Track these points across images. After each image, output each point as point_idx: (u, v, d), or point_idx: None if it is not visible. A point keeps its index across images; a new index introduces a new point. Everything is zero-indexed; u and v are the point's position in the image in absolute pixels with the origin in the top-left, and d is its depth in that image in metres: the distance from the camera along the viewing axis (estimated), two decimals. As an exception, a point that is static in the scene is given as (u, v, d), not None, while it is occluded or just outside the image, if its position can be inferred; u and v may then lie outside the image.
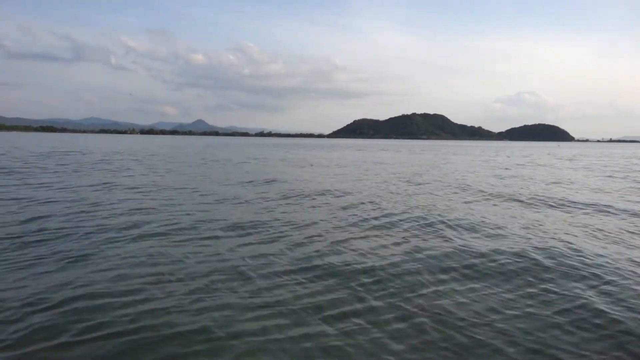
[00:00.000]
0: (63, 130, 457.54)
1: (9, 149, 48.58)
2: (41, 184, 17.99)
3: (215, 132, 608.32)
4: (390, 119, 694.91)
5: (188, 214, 12.27)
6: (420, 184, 21.52)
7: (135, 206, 13.32)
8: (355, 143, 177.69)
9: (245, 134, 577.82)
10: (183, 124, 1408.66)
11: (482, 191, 18.73)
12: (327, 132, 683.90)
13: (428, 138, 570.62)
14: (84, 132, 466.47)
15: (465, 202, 15.59)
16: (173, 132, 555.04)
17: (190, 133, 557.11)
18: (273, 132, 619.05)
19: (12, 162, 30.03)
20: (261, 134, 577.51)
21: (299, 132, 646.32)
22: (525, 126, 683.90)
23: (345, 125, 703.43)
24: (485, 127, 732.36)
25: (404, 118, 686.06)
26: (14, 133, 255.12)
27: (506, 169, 34.07)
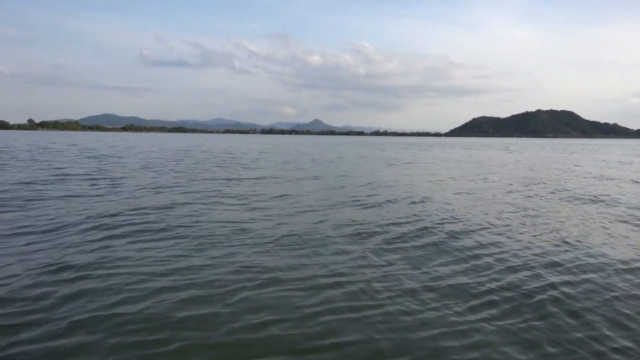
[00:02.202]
0: (193, 130, 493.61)
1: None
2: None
3: (332, 132, 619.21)
4: (512, 116, 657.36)
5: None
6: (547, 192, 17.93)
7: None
8: (475, 142, 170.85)
9: (360, 133, 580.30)
10: (300, 123, 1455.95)
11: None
12: (443, 130, 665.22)
13: (555, 136, 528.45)
14: (211, 132, 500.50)
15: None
16: (291, 132, 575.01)
17: (307, 132, 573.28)
18: (388, 130, 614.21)
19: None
20: (376, 133, 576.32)
21: (414, 131, 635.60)
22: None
23: (463, 123, 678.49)
24: (622, 123, 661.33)
25: (527, 115, 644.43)
26: (151, 134, 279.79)
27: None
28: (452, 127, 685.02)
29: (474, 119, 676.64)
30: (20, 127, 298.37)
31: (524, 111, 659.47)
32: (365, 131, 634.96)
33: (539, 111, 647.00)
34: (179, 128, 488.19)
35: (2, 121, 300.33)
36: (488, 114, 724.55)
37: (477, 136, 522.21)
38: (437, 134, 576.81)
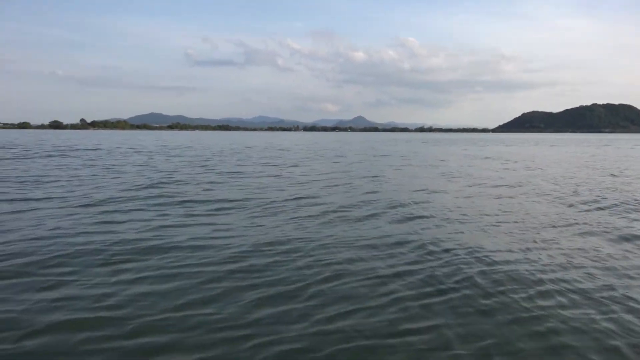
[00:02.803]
0: (236, 128, 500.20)
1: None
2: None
3: (375, 128, 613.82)
4: (565, 110, 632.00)
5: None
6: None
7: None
8: (526, 137, 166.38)
9: (404, 130, 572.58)
10: (343, 120, 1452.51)
11: None
12: (491, 126, 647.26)
13: (612, 131, 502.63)
14: (254, 129, 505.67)
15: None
16: (334, 129, 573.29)
17: (350, 129, 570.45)
18: (434, 127, 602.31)
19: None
20: (421, 129, 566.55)
21: (461, 127, 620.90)
22: None
23: (512, 118, 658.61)
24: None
25: (582, 109, 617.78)
26: (196, 132, 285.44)
27: None
28: (501, 123, 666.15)
29: (524, 114, 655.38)
30: (72, 126, 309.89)
31: (578, 105, 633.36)
32: (410, 127, 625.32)
33: (594, 105, 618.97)
34: (223, 126, 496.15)
35: (56, 121, 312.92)
36: (539, 109, 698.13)
37: (528, 132, 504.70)
38: (484, 130, 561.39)
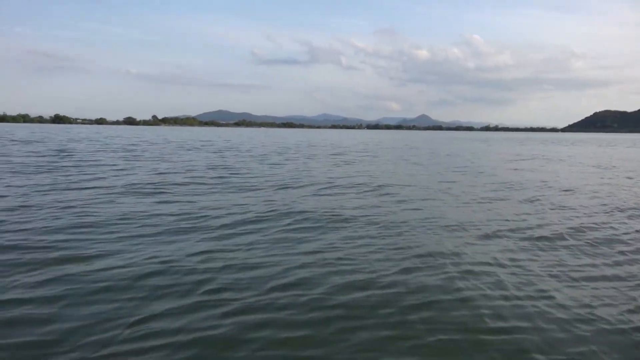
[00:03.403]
0: (300, 126, 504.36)
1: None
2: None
3: (439, 127, 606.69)
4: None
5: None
6: None
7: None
8: (601, 138, 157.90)
9: (469, 129, 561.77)
10: (407, 119, 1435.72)
11: None
12: (560, 125, 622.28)
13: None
14: (318, 127, 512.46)
15: None
16: (397, 127, 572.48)
17: (414, 128, 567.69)
18: (499, 126, 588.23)
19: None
20: (487, 128, 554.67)
21: (528, 126, 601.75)
22: None
23: (583, 118, 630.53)
24: None
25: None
26: (262, 129, 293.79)
27: None
28: (571, 122, 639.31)
29: (595, 113, 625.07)
30: (145, 122, 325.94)
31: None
32: (475, 126, 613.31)
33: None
34: (287, 123, 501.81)
35: (130, 117, 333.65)
36: (612, 108, 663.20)
37: (600, 132, 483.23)
38: (553, 129, 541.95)
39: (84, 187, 15.06)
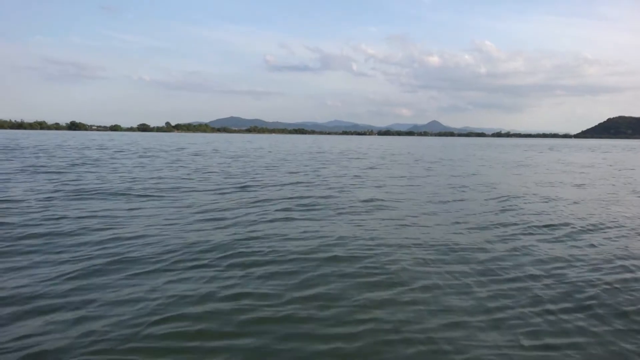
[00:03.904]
0: (312, 132, 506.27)
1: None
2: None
3: (450, 133, 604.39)
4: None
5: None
6: None
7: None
8: (613, 144, 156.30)
9: (481, 135, 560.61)
10: (417, 125, 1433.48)
11: None
12: (573, 131, 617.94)
13: None
14: (329, 133, 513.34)
15: None
16: (408, 133, 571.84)
17: (425, 134, 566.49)
18: (511, 132, 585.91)
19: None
20: (498, 134, 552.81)
21: (540, 132, 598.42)
22: None
23: (596, 124, 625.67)
24: None
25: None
26: (273, 135, 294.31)
27: None
28: (584, 128, 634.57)
29: (609, 119, 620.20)
30: (159, 129, 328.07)
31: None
32: (486, 132, 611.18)
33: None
34: (299, 129, 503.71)
35: (144, 124, 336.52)
36: (626, 114, 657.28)
37: (613, 138, 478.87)
38: (566, 136, 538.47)
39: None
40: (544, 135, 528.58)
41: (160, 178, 21.99)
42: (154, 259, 8.41)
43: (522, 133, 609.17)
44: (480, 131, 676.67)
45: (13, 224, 10.97)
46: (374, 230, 11.21)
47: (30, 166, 26.27)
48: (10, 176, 21.00)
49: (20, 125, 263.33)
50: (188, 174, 24.27)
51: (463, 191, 19.23)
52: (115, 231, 10.52)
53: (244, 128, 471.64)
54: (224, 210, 13.61)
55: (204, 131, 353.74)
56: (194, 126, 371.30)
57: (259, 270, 7.83)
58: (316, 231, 10.92)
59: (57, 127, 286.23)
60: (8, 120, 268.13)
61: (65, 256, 8.51)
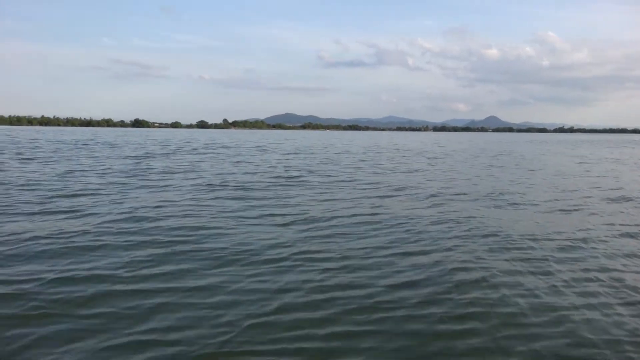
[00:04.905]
0: (366, 128, 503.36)
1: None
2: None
3: (509, 129, 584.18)
4: None
5: None
6: None
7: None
8: None
9: (542, 130, 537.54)
10: (475, 120, 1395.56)
11: None
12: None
13: None
14: (383, 129, 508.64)
15: None
16: (465, 129, 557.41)
17: (482, 129, 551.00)
18: (575, 127, 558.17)
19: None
20: (561, 130, 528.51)
21: (606, 127, 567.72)
22: None
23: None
24: None
25: None
26: (327, 132, 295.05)
27: None
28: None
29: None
30: (216, 126, 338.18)
31: None
32: (548, 128, 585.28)
33: None
34: (353, 126, 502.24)
35: (203, 121, 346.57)
36: None
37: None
38: (635, 131, 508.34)
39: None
40: (612, 131, 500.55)
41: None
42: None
43: (587, 128, 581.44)
44: (541, 126, 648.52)
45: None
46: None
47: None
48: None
49: (89, 123, 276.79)
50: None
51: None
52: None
53: (299, 124, 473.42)
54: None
55: (260, 128, 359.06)
56: (251, 123, 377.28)
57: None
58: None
59: (122, 124, 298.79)
60: (78, 118, 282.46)
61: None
